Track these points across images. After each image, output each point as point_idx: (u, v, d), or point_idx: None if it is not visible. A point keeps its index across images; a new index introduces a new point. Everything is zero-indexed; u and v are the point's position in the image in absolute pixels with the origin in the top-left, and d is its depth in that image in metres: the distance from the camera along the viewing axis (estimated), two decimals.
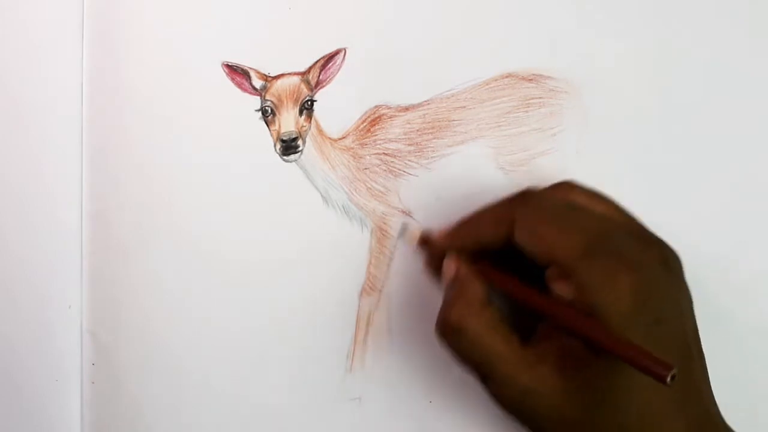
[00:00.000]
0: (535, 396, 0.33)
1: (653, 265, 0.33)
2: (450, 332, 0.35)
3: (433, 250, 0.39)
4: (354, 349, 0.43)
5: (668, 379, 0.29)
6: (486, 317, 0.34)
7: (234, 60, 0.43)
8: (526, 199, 0.36)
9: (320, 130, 0.43)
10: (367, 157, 0.44)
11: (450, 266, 0.37)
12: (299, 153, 0.43)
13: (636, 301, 0.32)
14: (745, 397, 0.42)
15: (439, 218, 0.43)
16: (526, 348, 0.34)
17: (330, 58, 0.43)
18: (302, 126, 0.43)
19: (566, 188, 0.37)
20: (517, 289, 0.35)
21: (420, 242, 0.41)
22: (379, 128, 0.43)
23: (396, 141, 0.43)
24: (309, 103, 0.43)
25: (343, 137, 0.43)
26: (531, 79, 0.43)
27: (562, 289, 0.33)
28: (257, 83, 0.43)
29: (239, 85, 0.43)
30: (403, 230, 0.43)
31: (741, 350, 0.42)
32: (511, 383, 0.33)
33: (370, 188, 0.43)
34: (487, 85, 0.43)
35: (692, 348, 0.34)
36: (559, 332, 0.33)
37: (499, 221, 0.36)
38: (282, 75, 0.43)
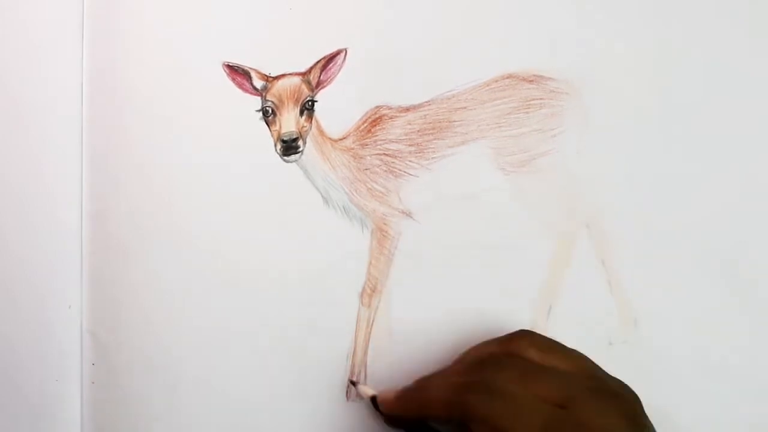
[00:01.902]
0: None
1: (618, 426, 0.33)
2: None
3: (384, 412, 0.40)
4: (354, 350, 0.43)
5: None
6: None
7: (235, 60, 0.43)
8: (475, 387, 0.35)
9: (321, 131, 0.43)
10: (368, 157, 0.44)
11: None
12: (300, 153, 0.43)
13: None
14: (746, 396, 0.42)
15: (439, 218, 0.43)
16: None
17: (331, 58, 0.43)
18: (303, 126, 0.43)
19: (522, 345, 0.37)
20: None
21: (371, 401, 0.41)
22: (380, 129, 0.43)
23: (397, 141, 0.43)
24: (310, 103, 0.43)
25: (344, 138, 0.43)
26: (532, 80, 0.43)
27: None
28: (258, 83, 0.43)
29: (240, 86, 0.43)
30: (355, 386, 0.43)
31: (742, 350, 0.42)
32: None
33: (371, 189, 0.43)
34: (487, 85, 0.43)
35: None
36: None
37: (451, 410, 0.35)
38: (283, 75, 0.43)
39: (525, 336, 0.37)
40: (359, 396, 0.43)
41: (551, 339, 0.37)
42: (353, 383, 0.43)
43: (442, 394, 0.36)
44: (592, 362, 0.36)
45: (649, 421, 0.35)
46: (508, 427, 0.33)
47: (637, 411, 0.35)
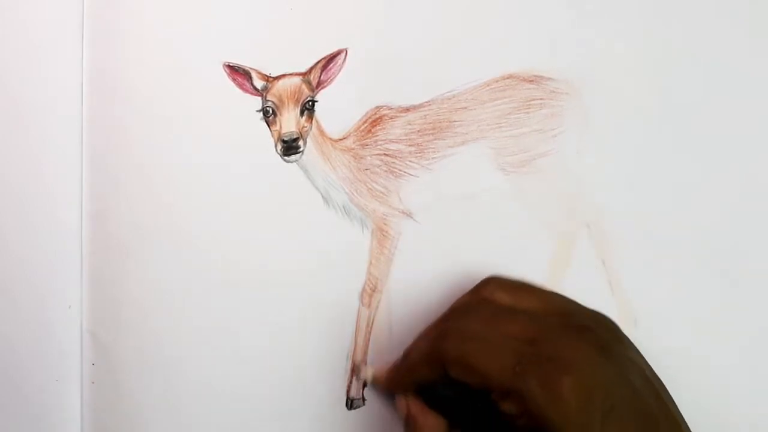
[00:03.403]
0: None
1: (589, 357, 0.33)
2: None
3: (383, 391, 0.40)
4: (354, 350, 0.43)
5: None
6: None
7: (235, 60, 0.43)
8: (448, 334, 0.36)
9: (321, 131, 0.43)
10: (368, 157, 0.44)
11: (401, 406, 0.37)
12: (300, 153, 0.43)
13: (580, 400, 0.32)
14: (746, 396, 0.42)
15: (439, 218, 0.43)
16: None
17: (331, 58, 0.43)
18: (303, 126, 0.43)
19: (490, 289, 0.37)
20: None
21: (371, 382, 0.42)
22: (380, 129, 0.43)
23: (397, 141, 0.43)
24: (310, 103, 0.43)
25: (344, 138, 0.43)
26: (532, 80, 0.43)
27: (510, 408, 0.33)
28: (258, 84, 0.43)
29: (240, 86, 0.43)
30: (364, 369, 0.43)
31: (742, 350, 0.42)
32: None
33: (371, 189, 0.43)
34: (488, 86, 0.43)
35: (654, 410, 0.34)
36: None
37: (431, 362, 0.36)
38: (283, 75, 0.43)
39: (491, 281, 0.38)
40: (364, 381, 0.43)
41: (519, 280, 0.38)
42: (354, 370, 0.43)
43: (422, 352, 0.37)
44: (563, 298, 0.37)
45: (625, 347, 0.35)
46: (481, 365, 0.34)
47: (608, 341, 0.35)
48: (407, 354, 0.38)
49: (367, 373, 0.42)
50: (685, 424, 0.35)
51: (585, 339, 0.34)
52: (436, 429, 0.36)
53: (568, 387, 0.32)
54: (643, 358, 0.36)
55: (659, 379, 0.36)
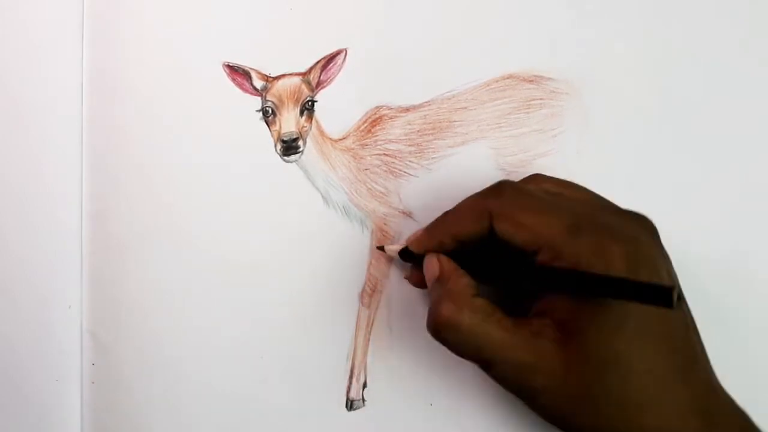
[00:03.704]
0: (536, 371, 0.33)
1: (642, 234, 0.34)
2: (444, 329, 0.35)
3: (416, 251, 0.39)
4: (354, 350, 0.43)
5: (674, 299, 0.28)
6: (476, 307, 0.34)
7: (235, 60, 0.43)
8: (500, 191, 0.36)
9: (321, 131, 0.43)
10: (368, 157, 0.44)
11: (432, 264, 0.37)
12: (300, 153, 0.43)
13: (629, 268, 0.32)
14: (745, 396, 0.42)
15: None
16: (521, 327, 0.34)
17: (331, 58, 0.43)
18: (303, 126, 0.43)
19: (540, 179, 0.38)
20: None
21: (401, 252, 0.40)
22: (380, 129, 0.43)
23: (397, 142, 0.43)
24: (310, 103, 0.43)
25: (344, 138, 0.43)
26: (532, 80, 0.43)
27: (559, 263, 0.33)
28: (258, 84, 0.43)
29: (240, 86, 0.43)
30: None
31: (742, 350, 0.42)
32: (512, 363, 0.33)
33: (371, 189, 0.43)
34: (488, 86, 0.43)
35: (688, 317, 0.34)
36: (553, 305, 0.33)
37: (477, 215, 0.35)
38: (283, 75, 0.43)
39: (539, 175, 0.38)
40: (389, 253, 0.42)
41: (565, 180, 0.38)
42: (380, 248, 0.42)
43: (467, 207, 0.36)
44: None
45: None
46: (534, 221, 0.33)
47: (656, 231, 0.36)
48: (447, 213, 0.37)
49: (394, 249, 0.41)
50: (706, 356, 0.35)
51: (637, 222, 0.35)
52: (469, 288, 0.35)
53: (619, 254, 0.32)
54: None
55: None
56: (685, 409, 0.32)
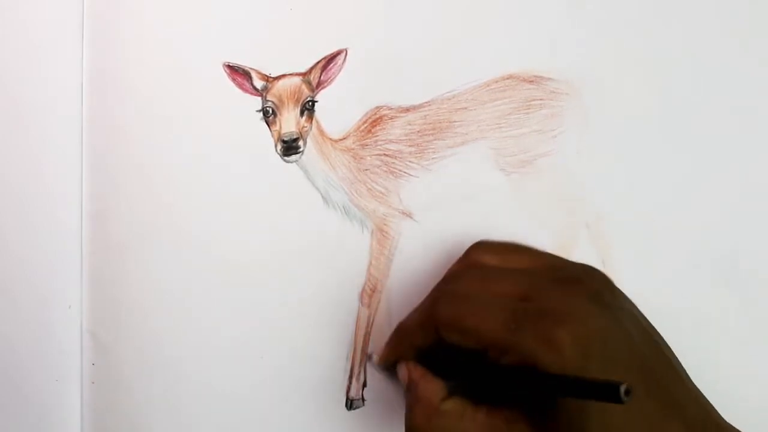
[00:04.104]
0: None
1: (583, 307, 0.33)
2: None
3: (384, 365, 0.39)
4: (354, 350, 0.43)
5: (623, 395, 0.28)
6: (445, 412, 0.35)
7: (235, 60, 0.43)
8: (439, 298, 0.36)
9: (321, 131, 0.43)
10: (368, 157, 0.44)
11: (402, 373, 0.37)
12: (300, 153, 0.43)
13: (579, 352, 0.31)
14: (744, 397, 0.42)
15: (439, 218, 0.43)
16: (495, 416, 0.34)
17: (331, 58, 0.43)
18: (303, 126, 0.43)
19: (477, 254, 0.38)
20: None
21: (378, 364, 0.40)
22: (380, 129, 0.43)
23: (397, 142, 0.43)
24: (310, 103, 0.43)
25: (344, 138, 0.43)
26: (532, 81, 0.43)
27: (510, 360, 0.33)
28: (258, 84, 0.43)
29: (240, 86, 0.43)
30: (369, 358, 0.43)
31: (742, 350, 0.42)
32: None
33: (371, 189, 0.43)
34: (487, 86, 0.43)
35: (653, 359, 0.34)
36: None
37: (425, 329, 0.36)
38: (283, 75, 0.43)
39: (479, 245, 0.38)
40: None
41: (506, 242, 0.38)
42: (369, 357, 0.43)
43: (416, 318, 0.37)
44: (551, 254, 0.38)
45: (617, 297, 0.35)
46: (473, 325, 0.34)
47: (600, 290, 0.35)
48: (402, 324, 0.38)
49: (373, 358, 0.41)
50: (685, 372, 0.34)
51: (576, 290, 0.34)
52: (437, 393, 0.35)
53: (564, 340, 0.31)
54: (638, 308, 0.36)
55: (655, 329, 0.35)
56: None
